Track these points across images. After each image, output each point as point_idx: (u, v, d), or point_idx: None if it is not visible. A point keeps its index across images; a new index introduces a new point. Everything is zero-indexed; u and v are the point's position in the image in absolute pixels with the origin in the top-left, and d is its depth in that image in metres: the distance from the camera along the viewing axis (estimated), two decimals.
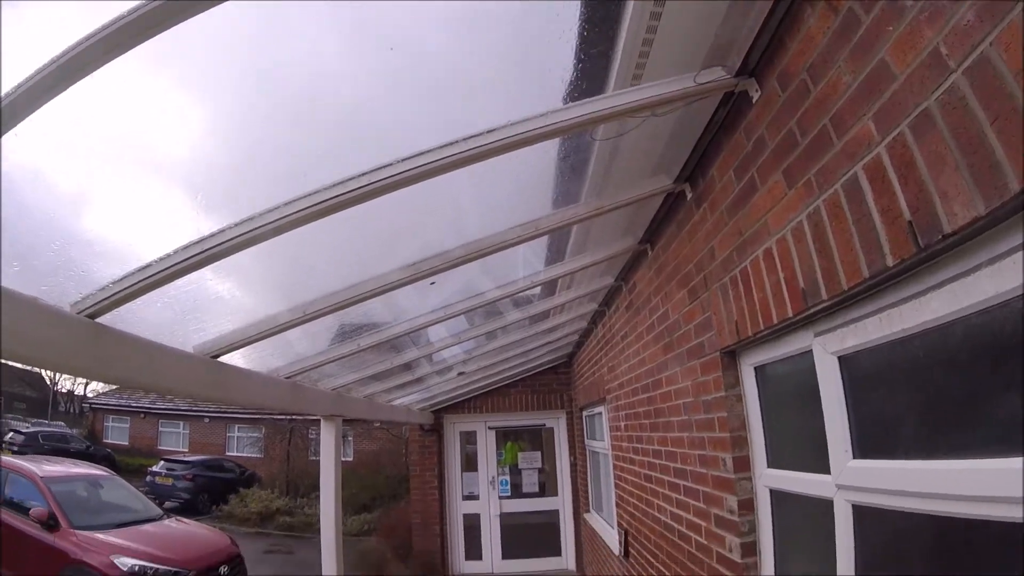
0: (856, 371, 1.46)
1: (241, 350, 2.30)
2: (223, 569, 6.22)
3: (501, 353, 5.36)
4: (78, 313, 1.47)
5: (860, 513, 1.43)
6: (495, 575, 7.38)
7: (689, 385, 2.54)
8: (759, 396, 2.02)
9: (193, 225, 1.51)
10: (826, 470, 1.53)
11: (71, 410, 39.54)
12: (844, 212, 1.24)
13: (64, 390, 41.51)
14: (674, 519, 2.85)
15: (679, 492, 2.74)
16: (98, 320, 1.54)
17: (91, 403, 27.99)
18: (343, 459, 16.22)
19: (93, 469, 8.42)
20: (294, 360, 3.05)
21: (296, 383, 3.24)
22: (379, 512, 12.85)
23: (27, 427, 22.52)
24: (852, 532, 1.45)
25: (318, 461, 15.63)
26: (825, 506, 1.54)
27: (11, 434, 20.25)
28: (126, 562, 5.66)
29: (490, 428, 7.79)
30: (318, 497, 13.57)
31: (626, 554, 4.16)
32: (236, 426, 22.17)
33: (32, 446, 18.18)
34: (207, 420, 22.53)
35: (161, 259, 1.51)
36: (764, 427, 1.99)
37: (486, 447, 7.76)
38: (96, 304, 1.49)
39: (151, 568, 5.68)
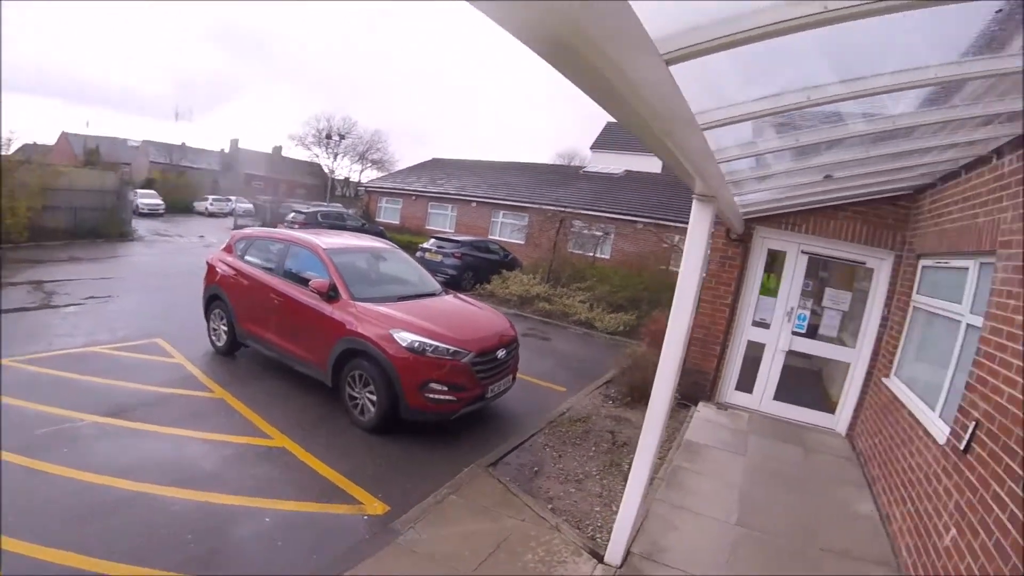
0: None
1: None
2: (500, 353, 6.10)
3: (871, 164, 4.33)
4: None
5: None
6: (759, 412, 7.11)
7: None
8: None
9: None
10: None
11: (347, 194, 48.45)
12: None
13: (341, 177, 50.54)
14: None
15: None
16: None
17: (367, 187, 32.39)
18: (599, 256, 16.84)
19: (375, 242, 8.11)
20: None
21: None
22: (636, 313, 13.23)
23: (307, 208, 25.24)
24: None
25: (578, 254, 16.74)
26: None
27: (292, 214, 22.88)
28: (405, 337, 5.54)
29: (803, 252, 6.86)
30: (577, 288, 14.62)
31: (967, 449, 3.44)
32: (502, 212, 23.93)
33: (311, 224, 20.21)
34: (474, 204, 24.67)
35: None
36: None
37: (793, 273, 6.91)
38: None
39: (430, 345, 5.55)
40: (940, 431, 4.00)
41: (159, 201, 31.44)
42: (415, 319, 5.84)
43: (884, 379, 5.77)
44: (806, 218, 6.58)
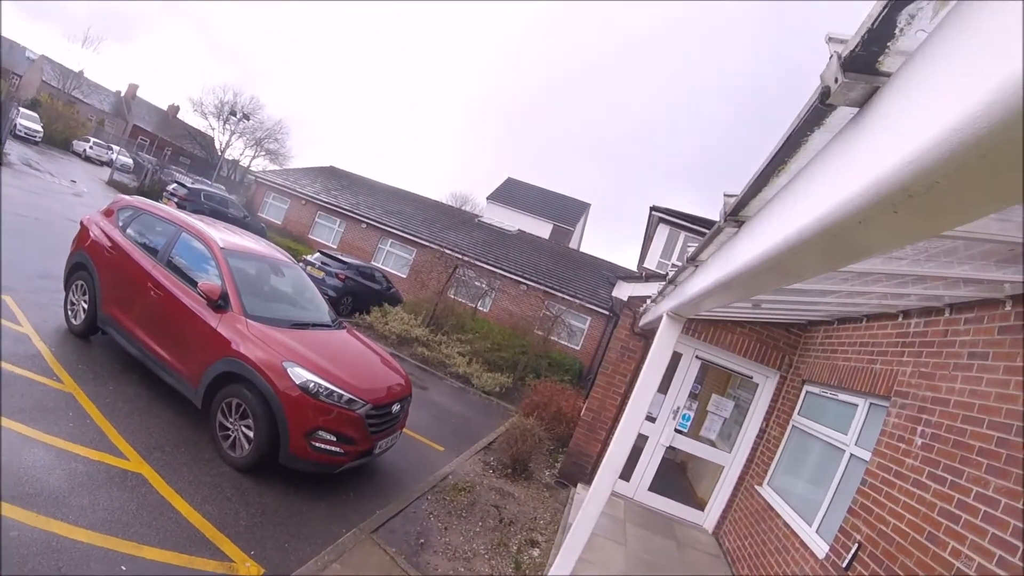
0: None
1: None
2: (395, 407, 5.83)
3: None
4: None
5: None
6: (634, 501, 7.48)
7: None
8: None
9: None
10: None
11: (232, 177, 45.59)
12: None
13: (230, 158, 47.71)
14: None
15: None
16: None
17: (257, 177, 30.45)
18: (480, 309, 16.94)
19: (275, 251, 7.27)
20: None
21: None
22: (512, 376, 13.44)
23: (191, 182, 23.24)
24: None
25: (463, 303, 16.78)
26: None
27: (174, 184, 20.62)
28: (300, 374, 5.03)
29: (697, 357, 7.50)
30: (458, 339, 14.44)
31: (848, 567, 3.90)
32: (391, 240, 23.52)
33: (193, 202, 18.78)
34: (364, 225, 24.04)
35: None
36: None
37: (685, 375, 7.50)
38: None
39: (326, 389, 5.08)
40: (819, 546, 4.47)
41: (39, 127, 28.02)
42: (312, 354, 5.37)
43: (757, 486, 6.36)
44: (707, 327, 7.22)
